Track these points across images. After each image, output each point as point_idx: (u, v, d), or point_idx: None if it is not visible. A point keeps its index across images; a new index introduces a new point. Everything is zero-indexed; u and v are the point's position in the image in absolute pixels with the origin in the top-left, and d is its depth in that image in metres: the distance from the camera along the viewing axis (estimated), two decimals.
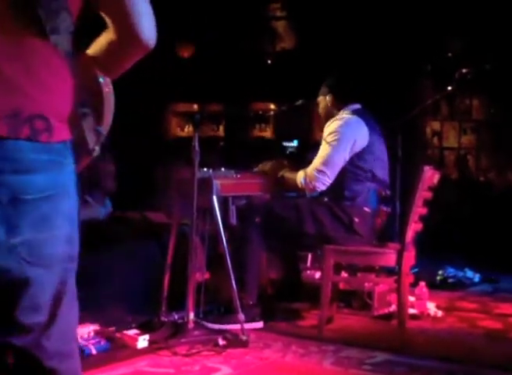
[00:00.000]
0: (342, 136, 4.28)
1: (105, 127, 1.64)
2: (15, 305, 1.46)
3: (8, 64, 1.40)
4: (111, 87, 1.66)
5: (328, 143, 4.29)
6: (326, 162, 4.26)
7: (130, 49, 1.63)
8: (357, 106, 4.49)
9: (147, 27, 1.58)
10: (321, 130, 4.48)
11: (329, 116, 4.47)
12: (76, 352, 1.62)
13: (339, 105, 4.48)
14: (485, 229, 6.75)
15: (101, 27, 1.62)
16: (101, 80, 1.63)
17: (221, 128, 9.13)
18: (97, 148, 1.61)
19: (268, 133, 8.98)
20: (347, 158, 4.29)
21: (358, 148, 4.30)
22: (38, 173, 1.43)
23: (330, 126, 4.35)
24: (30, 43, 1.44)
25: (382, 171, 4.41)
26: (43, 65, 1.45)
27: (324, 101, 4.55)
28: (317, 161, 4.30)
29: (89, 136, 1.58)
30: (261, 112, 8.95)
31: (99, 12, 1.58)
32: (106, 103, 1.63)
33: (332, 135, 4.30)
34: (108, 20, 1.59)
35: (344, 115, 4.40)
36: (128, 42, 1.60)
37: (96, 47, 1.65)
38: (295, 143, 7.87)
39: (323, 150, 4.32)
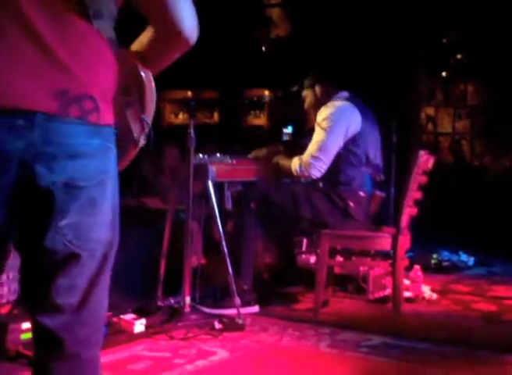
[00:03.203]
0: (335, 122, 4.29)
1: (149, 117, 1.65)
2: (53, 284, 1.48)
3: (57, 44, 1.41)
4: (152, 80, 1.67)
5: (322, 129, 4.30)
6: (321, 148, 4.27)
7: (171, 46, 1.63)
8: (346, 94, 4.49)
9: (188, 23, 1.58)
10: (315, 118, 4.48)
11: (318, 106, 4.46)
12: (101, 343, 1.64)
13: (330, 92, 4.48)
14: (479, 213, 6.78)
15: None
16: (142, 73, 1.64)
17: (215, 115, 9.11)
18: (142, 139, 1.62)
19: (262, 120, 8.98)
20: (341, 143, 4.30)
21: (351, 133, 4.31)
22: (91, 158, 1.45)
23: (323, 113, 4.35)
24: (77, 26, 1.45)
25: (376, 155, 4.43)
26: (88, 47, 1.46)
27: (311, 94, 4.55)
28: (311, 148, 4.31)
29: (134, 125, 1.59)
30: (255, 99, 8.94)
31: (139, 10, 1.58)
32: (148, 93, 1.64)
33: (325, 121, 4.30)
34: (147, 17, 1.59)
35: (335, 102, 4.41)
36: (168, 39, 1.61)
37: (137, 44, 1.66)
38: (290, 129, 7.87)
39: (317, 136, 4.32)
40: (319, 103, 4.49)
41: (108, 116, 1.50)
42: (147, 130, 1.63)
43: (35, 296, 1.51)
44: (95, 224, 1.50)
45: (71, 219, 1.45)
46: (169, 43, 1.62)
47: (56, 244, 1.45)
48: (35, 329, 1.55)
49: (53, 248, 1.45)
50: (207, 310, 4.02)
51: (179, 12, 1.55)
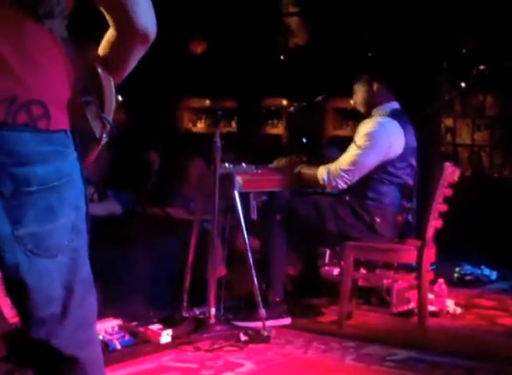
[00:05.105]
0: (376, 141, 4.17)
1: (109, 115, 1.62)
2: (27, 300, 1.46)
3: (5, 49, 1.38)
4: (111, 78, 1.63)
5: (360, 144, 4.19)
6: (355, 163, 4.17)
7: (129, 41, 1.58)
8: (396, 105, 4.37)
9: (144, 16, 1.54)
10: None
11: (371, 104, 4.34)
12: (96, 339, 1.63)
13: (385, 94, 4.34)
14: (500, 226, 6.73)
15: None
16: (100, 71, 1.60)
17: (233, 124, 9.12)
18: (104, 136, 1.60)
19: (280, 129, 8.97)
20: (378, 162, 4.19)
21: (392, 154, 4.21)
22: (41, 164, 1.42)
23: (365, 127, 4.24)
24: (26, 27, 1.41)
25: (409, 177, 4.33)
26: (39, 50, 1.43)
27: (364, 89, 4.37)
28: (345, 159, 4.21)
29: (94, 124, 1.56)
30: (273, 108, 8.95)
31: (99, 7, 1.55)
32: (107, 91, 1.60)
33: (366, 138, 4.18)
34: (105, 13, 1.55)
35: (380, 117, 4.26)
36: (126, 33, 1.56)
37: (102, 45, 1.63)
38: (305, 140, 7.86)
39: (353, 150, 4.21)
40: (371, 100, 4.34)
41: (60, 121, 1.46)
42: (108, 128, 1.60)
43: (20, 312, 1.50)
44: (54, 230, 1.46)
45: (30, 229, 1.42)
46: (129, 38, 1.57)
47: (17, 255, 1.42)
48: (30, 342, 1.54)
49: (14, 261, 1.42)
50: (234, 322, 3.99)
51: (135, 4, 1.52)
